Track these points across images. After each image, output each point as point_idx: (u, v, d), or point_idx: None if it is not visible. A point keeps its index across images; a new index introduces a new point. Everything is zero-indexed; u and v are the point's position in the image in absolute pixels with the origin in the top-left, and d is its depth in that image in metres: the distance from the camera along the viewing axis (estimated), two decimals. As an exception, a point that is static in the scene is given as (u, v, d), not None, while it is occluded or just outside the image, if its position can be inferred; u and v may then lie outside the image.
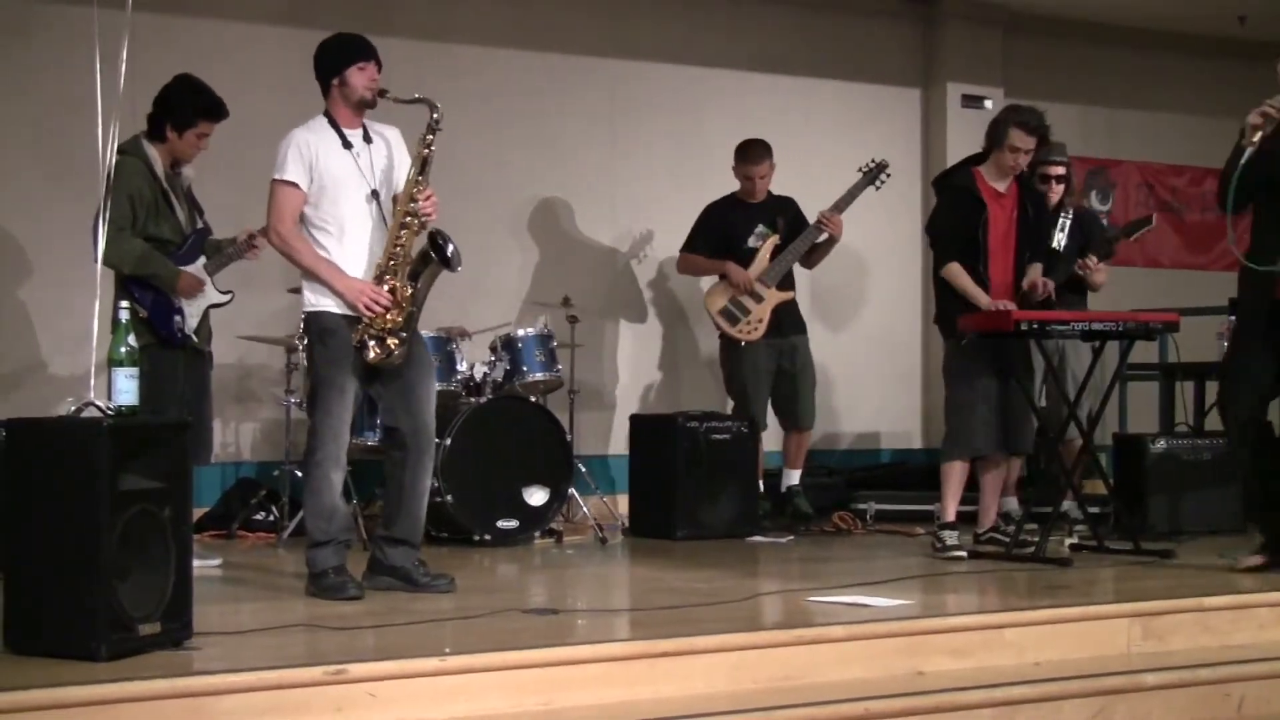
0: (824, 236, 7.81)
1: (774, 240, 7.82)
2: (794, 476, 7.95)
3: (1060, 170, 7.43)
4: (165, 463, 4.20)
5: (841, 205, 7.79)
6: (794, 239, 7.81)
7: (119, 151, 5.91)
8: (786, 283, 7.87)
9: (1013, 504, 7.40)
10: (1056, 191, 7.41)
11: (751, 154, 7.90)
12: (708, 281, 8.07)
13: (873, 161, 7.92)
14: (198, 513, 6.82)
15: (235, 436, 7.93)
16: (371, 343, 5.24)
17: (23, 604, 4.08)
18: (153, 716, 3.75)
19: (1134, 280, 8.50)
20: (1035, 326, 6.32)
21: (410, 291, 5.30)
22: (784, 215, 7.91)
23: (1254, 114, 5.71)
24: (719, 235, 7.91)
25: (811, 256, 7.92)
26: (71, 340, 7.08)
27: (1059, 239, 7.36)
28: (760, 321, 7.76)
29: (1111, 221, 8.63)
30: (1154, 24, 10.43)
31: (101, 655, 3.94)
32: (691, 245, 8.04)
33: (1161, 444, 7.51)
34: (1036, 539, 6.33)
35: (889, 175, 7.97)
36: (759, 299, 7.77)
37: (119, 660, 3.95)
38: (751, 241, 7.86)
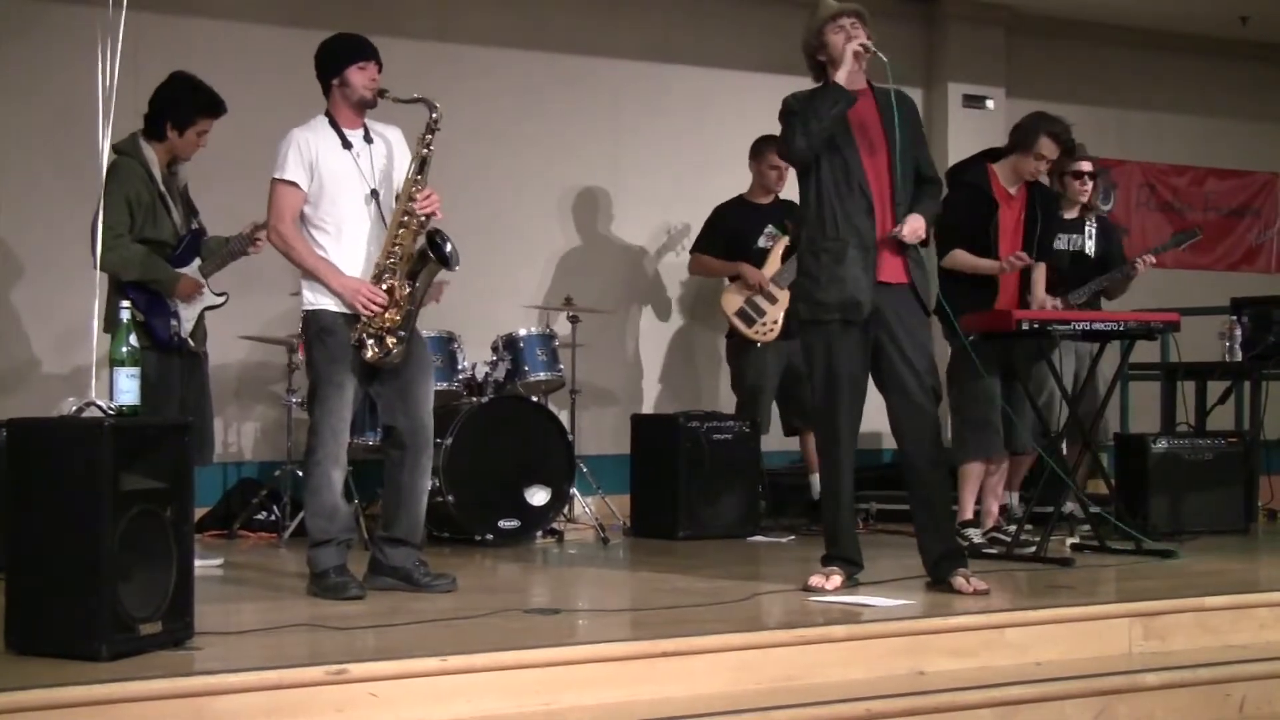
0: None
1: (785, 241, 7.81)
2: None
3: (1089, 167, 7.25)
4: (167, 463, 4.20)
5: None
6: None
7: (116, 152, 5.91)
8: None
9: (1013, 499, 7.36)
10: (1086, 190, 7.25)
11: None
12: (717, 282, 8.06)
13: None
14: (199, 512, 6.82)
15: (236, 436, 7.93)
16: (370, 341, 5.24)
17: (24, 604, 4.08)
18: (154, 716, 3.75)
19: (1136, 280, 8.46)
20: (1036, 326, 6.32)
21: (409, 290, 5.29)
22: (792, 218, 7.90)
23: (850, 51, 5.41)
24: (728, 236, 7.91)
25: None
26: (65, 340, 7.10)
27: (1088, 246, 7.30)
28: (775, 323, 7.75)
29: (1113, 220, 8.63)
30: (1156, 24, 10.43)
31: (103, 655, 3.94)
32: (702, 246, 8.06)
33: (1163, 444, 7.50)
34: (1038, 539, 6.33)
35: None
36: (773, 300, 7.76)
37: (120, 660, 3.95)
38: (761, 242, 7.86)
